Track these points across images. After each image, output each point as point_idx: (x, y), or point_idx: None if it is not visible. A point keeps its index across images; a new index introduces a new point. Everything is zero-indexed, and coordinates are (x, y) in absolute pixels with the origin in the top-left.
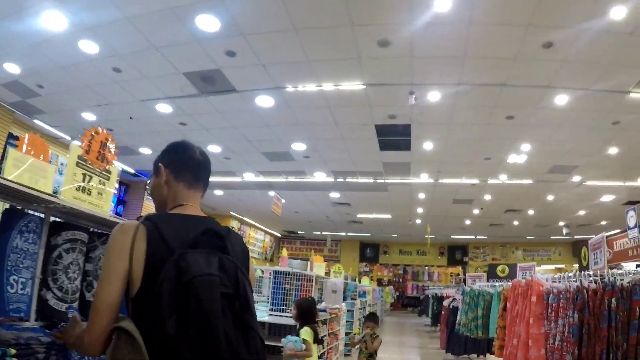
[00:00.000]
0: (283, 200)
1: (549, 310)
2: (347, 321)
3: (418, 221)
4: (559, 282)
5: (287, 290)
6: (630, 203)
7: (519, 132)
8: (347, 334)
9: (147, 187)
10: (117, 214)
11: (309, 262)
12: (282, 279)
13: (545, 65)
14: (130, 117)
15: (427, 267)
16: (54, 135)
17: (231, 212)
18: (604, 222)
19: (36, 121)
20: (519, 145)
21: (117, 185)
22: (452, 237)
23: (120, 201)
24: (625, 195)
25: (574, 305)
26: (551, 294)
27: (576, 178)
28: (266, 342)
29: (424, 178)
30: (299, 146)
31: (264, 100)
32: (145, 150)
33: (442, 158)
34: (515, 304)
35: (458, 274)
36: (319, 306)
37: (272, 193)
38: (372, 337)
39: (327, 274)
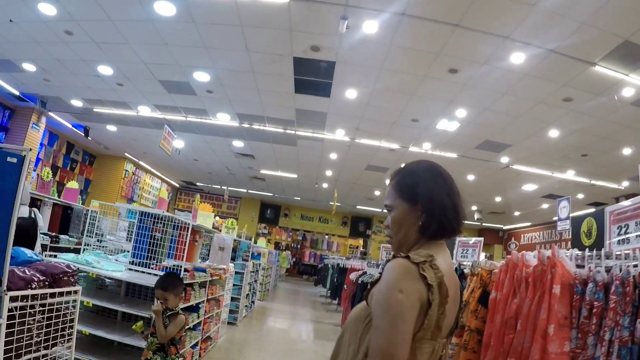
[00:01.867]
0: (175, 138)
1: (585, 311)
2: (234, 285)
3: (325, 185)
4: (592, 264)
5: (157, 239)
6: (549, 196)
7: (458, 91)
8: (232, 299)
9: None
10: None
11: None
12: (151, 224)
13: (512, 8)
14: (10, 20)
15: (327, 236)
16: None
17: (126, 154)
18: (517, 213)
19: None
20: (454, 109)
21: None
22: (358, 207)
23: (2, 127)
24: (547, 187)
25: (633, 307)
26: (590, 284)
27: (504, 159)
28: (123, 310)
29: (340, 135)
30: (201, 76)
31: (164, 7)
32: (29, 67)
33: (364, 112)
34: (511, 296)
35: (358, 247)
36: (201, 265)
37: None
38: (166, 315)
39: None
